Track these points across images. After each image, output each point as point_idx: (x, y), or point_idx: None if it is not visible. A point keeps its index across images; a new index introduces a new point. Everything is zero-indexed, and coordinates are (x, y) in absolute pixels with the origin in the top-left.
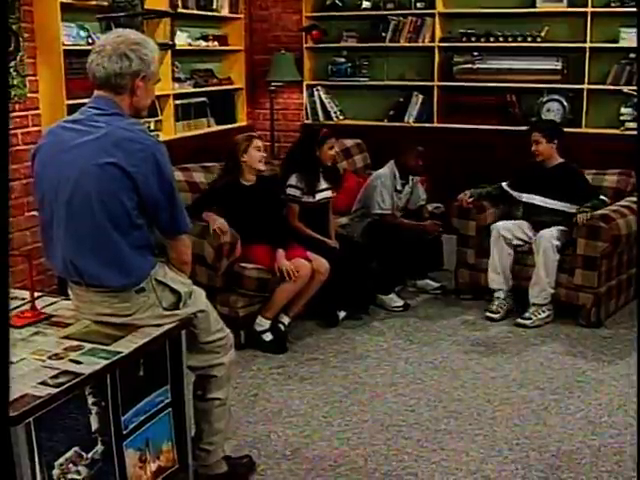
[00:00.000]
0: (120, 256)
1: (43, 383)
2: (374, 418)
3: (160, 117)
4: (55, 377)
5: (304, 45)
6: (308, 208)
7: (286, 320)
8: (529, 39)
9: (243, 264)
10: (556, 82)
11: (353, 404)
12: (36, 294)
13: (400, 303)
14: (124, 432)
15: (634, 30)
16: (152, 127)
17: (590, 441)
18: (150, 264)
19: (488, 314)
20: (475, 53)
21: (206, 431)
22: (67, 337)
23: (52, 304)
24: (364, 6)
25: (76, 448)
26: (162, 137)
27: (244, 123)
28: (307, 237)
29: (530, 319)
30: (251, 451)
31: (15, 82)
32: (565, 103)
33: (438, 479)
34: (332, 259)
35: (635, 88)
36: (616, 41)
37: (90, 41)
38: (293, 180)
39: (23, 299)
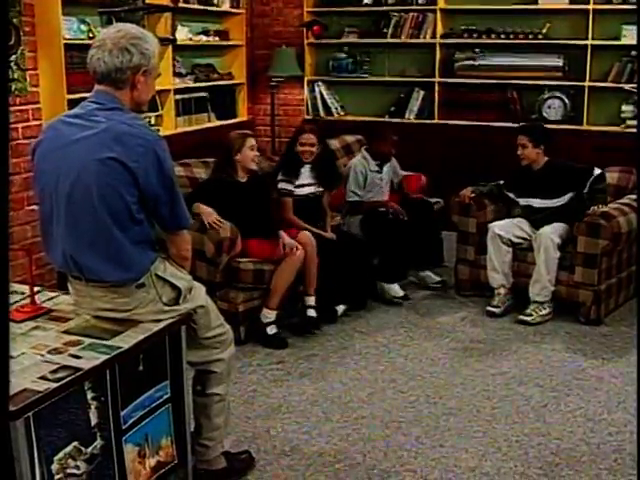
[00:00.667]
0: (120, 251)
1: (43, 378)
2: (373, 414)
3: (161, 112)
4: (55, 372)
5: (305, 40)
6: (300, 202)
7: (312, 300)
8: (530, 36)
9: (238, 259)
10: (557, 79)
11: (352, 400)
12: (36, 288)
13: (401, 294)
14: (123, 427)
15: (635, 27)
16: (153, 122)
17: (589, 438)
18: (150, 259)
19: (489, 308)
20: (476, 49)
21: (205, 426)
22: (67, 332)
23: (52, 299)
24: (366, 2)
25: (75, 443)
26: (162, 132)
27: (245, 118)
28: (303, 229)
29: (531, 315)
30: (250, 447)
31: (16, 76)
32: (566, 100)
33: (437, 476)
34: (329, 250)
35: (636, 86)
36: (618, 38)
37: (91, 35)
38: (280, 175)
39: (23, 293)
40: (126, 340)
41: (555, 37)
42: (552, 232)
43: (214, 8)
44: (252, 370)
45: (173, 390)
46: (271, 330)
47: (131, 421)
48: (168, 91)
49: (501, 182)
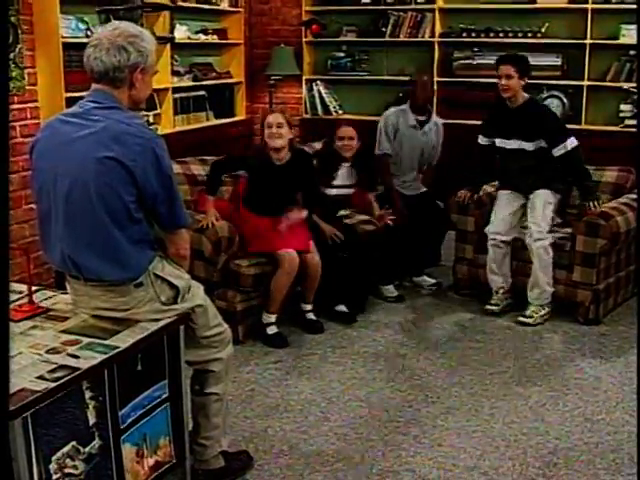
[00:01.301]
0: (118, 250)
1: (40, 377)
2: (371, 414)
3: (159, 110)
4: (52, 371)
5: (304, 39)
6: (325, 199)
7: (308, 307)
8: (529, 35)
9: (238, 261)
10: (556, 78)
11: (350, 400)
12: (34, 288)
13: (395, 294)
14: (121, 427)
15: (634, 27)
16: (151, 120)
17: (587, 438)
18: (149, 258)
19: (488, 307)
20: (475, 49)
21: (203, 426)
22: (65, 331)
23: (50, 298)
24: (364, 0)
25: (73, 442)
26: (161, 130)
27: (243, 117)
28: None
29: (531, 317)
30: (248, 446)
31: (14, 74)
32: (565, 100)
33: (435, 475)
34: (328, 250)
35: (635, 85)
36: (616, 38)
37: (89, 34)
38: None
39: (21, 292)
40: (124, 339)
41: (554, 36)
42: (542, 235)
43: (213, 7)
44: (250, 369)
45: (171, 390)
46: (271, 330)
47: (129, 421)
48: (166, 90)
49: (479, 138)
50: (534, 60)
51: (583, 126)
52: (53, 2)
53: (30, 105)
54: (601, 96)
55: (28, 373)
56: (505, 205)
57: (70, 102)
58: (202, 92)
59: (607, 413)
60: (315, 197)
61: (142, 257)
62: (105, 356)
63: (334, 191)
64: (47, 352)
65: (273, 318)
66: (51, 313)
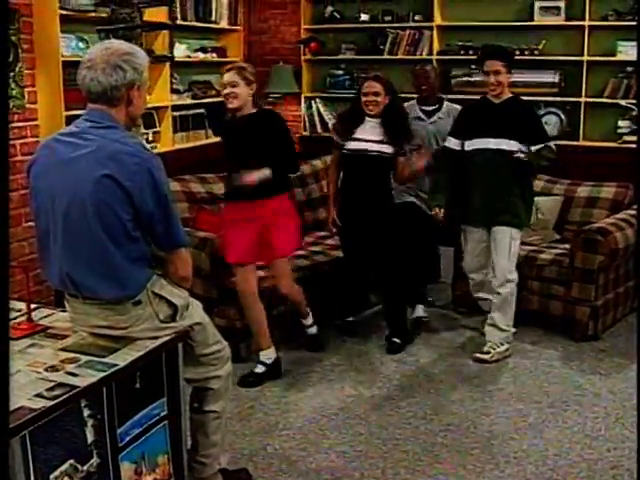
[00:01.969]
0: (116, 268)
1: (39, 395)
2: (370, 431)
3: (158, 128)
4: (51, 389)
5: (302, 57)
6: (346, 156)
7: (306, 321)
8: (527, 52)
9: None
10: (553, 95)
11: (350, 417)
12: (33, 306)
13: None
14: (120, 445)
15: (631, 43)
16: (150, 138)
17: (587, 455)
18: (146, 276)
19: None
20: (473, 66)
21: (202, 443)
22: (63, 349)
23: (49, 316)
24: (362, 19)
25: (71, 461)
26: (160, 149)
27: None
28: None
29: (489, 353)
30: (247, 464)
31: (14, 93)
32: (562, 116)
33: None
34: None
35: (633, 101)
36: (613, 54)
37: None
38: (336, 124)
39: (19, 310)
40: (122, 357)
41: (551, 53)
42: (509, 276)
43: (212, 25)
44: (250, 387)
45: (170, 407)
46: (269, 360)
47: (127, 439)
48: (166, 108)
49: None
50: (531, 77)
51: (581, 142)
52: (53, 21)
53: (30, 123)
54: (599, 112)
55: (26, 391)
56: (472, 245)
57: (70, 120)
58: (201, 110)
59: (607, 429)
60: (285, 160)
61: (140, 275)
62: (103, 374)
63: (353, 144)
64: (46, 370)
65: (270, 353)
66: (50, 331)
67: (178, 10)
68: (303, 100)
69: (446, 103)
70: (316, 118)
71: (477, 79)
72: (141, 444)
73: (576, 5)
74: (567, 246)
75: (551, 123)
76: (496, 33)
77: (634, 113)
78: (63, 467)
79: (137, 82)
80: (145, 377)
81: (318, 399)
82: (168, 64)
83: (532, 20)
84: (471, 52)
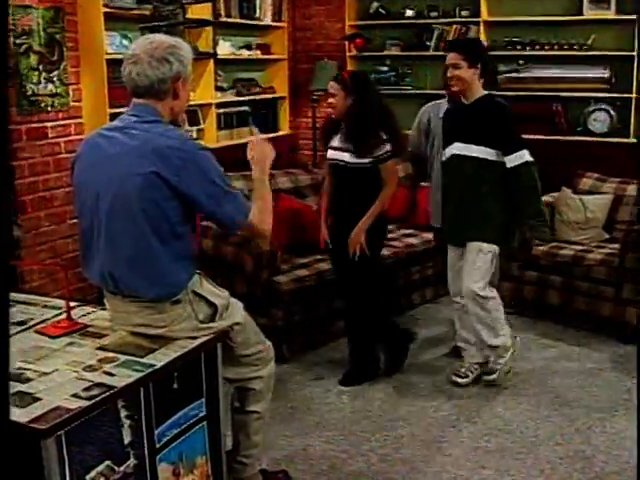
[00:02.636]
0: (158, 266)
1: (75, 395)
2: (413, 434)
3: (202, 126)
4: (88, 389)
5: (347, 53)
6: (328, 167)
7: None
8: (575, 47)
9: (278, 277)
10: (603, 91)
11: (392, 419)
12: (73, 304)
13: None
14: (157, 446)
15: None
16: (195, 136)
17: (635, 461)
18: (189, 276)
19: (454, 379)
20: (520, 61)
21: (243, 444)
22: (102, 348)
23: (89, 314)
24: (408, 14)
25: (108, 462)
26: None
27: (287, 132)
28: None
29: (466, 377)
30: (288, 465)
31: (58, 91)
32: (612, 113)
33: None
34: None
35: None
36: None
37: None
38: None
39: (60, 308)
40: (160, 358)
41: (600, 48)
42: (475, 288)
43: (256, 22)
44: (292, 387)
45: (209, 408)
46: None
47: (165, 439)
48: (210, 105)
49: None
50: (581, 73)
51: (631, 139)
52: (98, 19)
53: (74, 121)
54: None
55: (63, 391)
56: (450, 264)
57: (114, 118)
58: (245, 107)
59: None
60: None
61: (182, 274)
62: (141, 374)
63: (329, 153)
64: (83, 369)
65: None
66: (89, 329)
67: (222, 7)
68: None
69: None
70: None
71: (524, 75)
72: (179, 445)
73: None
74: (617, 246)
75: (601, 120)
76: (544, 28)
77: None
78: (99, 468)
79: (182, 75)
80: (183, 377)
81: (360, 400)
82: (212, 61)
83: (581, 14)
84: (518, 47)
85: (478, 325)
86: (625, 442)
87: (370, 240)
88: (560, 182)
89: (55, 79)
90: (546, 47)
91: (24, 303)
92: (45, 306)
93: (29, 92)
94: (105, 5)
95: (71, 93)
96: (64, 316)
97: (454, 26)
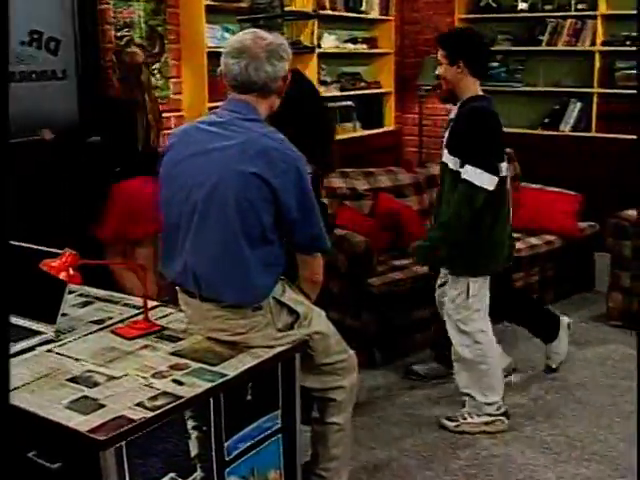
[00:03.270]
0: (245, 270)
1: (140, 405)
2: (506, 454)
3: None
4: (154, 398)
5: None
6: None
7: None
8: None
9: (372, 280)
10: None
11: (484, 436)
12: (153, 303)
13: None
14: (227, 459)
15: None
16: None
17: None
18: (274, 283)
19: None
20: None
21: (322, 456)
22: (175, 353)
23: (167, 315)
24: (520, 7)
25: (172, 474)
26: None
27: (392, 128)
28: None
29: (455, 421)
30: (370, 479)
31: (159, 84)
32: None
33: None
34: None
35: None
36: None
37: None
38: None
39: (140, 308)
40: (234, 367)
41: None
42: (450, 332)
43: (362, 15)
44: (380, 395)
45: (284, 420)
46: None
47: (236, 452)
48: None
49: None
50: None
51: None
52: (199, 12)
53: (175, 114)
54: None
55: (128, 398)
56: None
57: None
58: (349, 102)
59: None
60: None
61: (268, 281)
62: (211, 384)
63: None
64: (152, 376)
65: None
66: (165, 332)
67: (327, 0)
68: None
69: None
70: None
71: None
72: (251, 458)
73: None
74: None
75: None
76: None
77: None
78: None
79: (286, 72)
80: (258, 388)
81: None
82: (316, 55)
83: None
84: (638, 43)
85: (461, 368)
86: None
87: None
88: None
89: (156, 72)
90: None
91: (105, 300)
92: (126, 304)
93: None
94: None
95: (171, 86)
96: (142, 316)
97: (569, 20)
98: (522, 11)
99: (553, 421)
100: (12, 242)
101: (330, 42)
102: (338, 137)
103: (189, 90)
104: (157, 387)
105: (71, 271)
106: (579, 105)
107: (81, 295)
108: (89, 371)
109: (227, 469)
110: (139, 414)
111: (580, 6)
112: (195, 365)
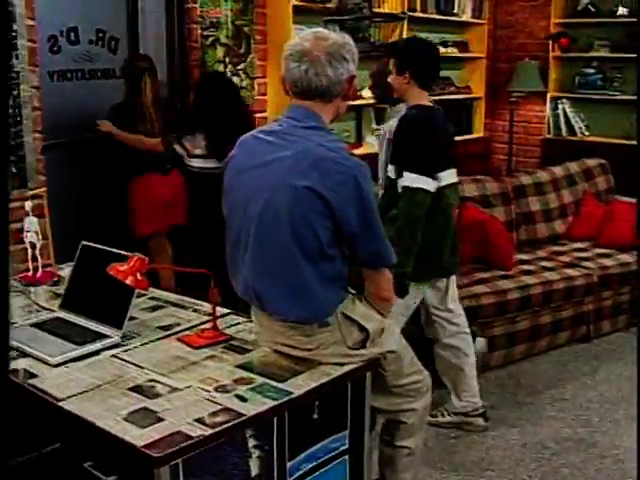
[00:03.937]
0: (305, 287)
1: (199, 421)
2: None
3: None
4: (214, 414)
5: (551, 54)
6: (197, 179)
7: None
8: None
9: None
10: None
11: (565, 465)
12: (224, 311)
13: None
14: None
15: None
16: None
17: None
18: (338, 299)
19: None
20: None
21: None
22: (241, 366)
23: (237, 324)
24: (620, 12)
25: None
26: None
27: (481, 134)
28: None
29: (435, 416)
30: None
31: (244, 84)
32: None
33: None
34: None
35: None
36: None
37: None
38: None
39: (210, 315)
40: (301, 384)
41: None
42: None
43: (454, 18)
44: None
45: (352, 441)
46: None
47: (299, 473)
48: None
49: None
50: None
51: None
52: (287, 12)
53: (259, 115)
54: None
55: (188, 413)
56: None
57: None
58: (438, 107)
59: None
60: None
61: (331, 297)
62: (275, 403)
63: (196, 163)
64: (216, 389)
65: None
66: (233, 342)
67: (418, 2)
68: (549, 100)
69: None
70: (561, 120)
71: None
72: (315, 479)
73: None
74: None
75: None
76: None
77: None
78: None
79: (353, 73)
80: (325, 407)
81: (531, 437)
82: None
83: None
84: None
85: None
86: None
87: None
88: None
89: (241, 72)
90: None
91: (175, 305)
92: (195, 310)
93: None
94: None
95: (256, 87)
96: (210, 324)
97: None
98: (622, 16)
99: None
100: (86, 243)
101: None
102: None
103: (274, 91)
104: (219, 402)
105: (139, 276)
106: None
107: (152, 298)
108: (152, 380)
109: None
110: (197, 431)
111: None
112: (260, 380)
